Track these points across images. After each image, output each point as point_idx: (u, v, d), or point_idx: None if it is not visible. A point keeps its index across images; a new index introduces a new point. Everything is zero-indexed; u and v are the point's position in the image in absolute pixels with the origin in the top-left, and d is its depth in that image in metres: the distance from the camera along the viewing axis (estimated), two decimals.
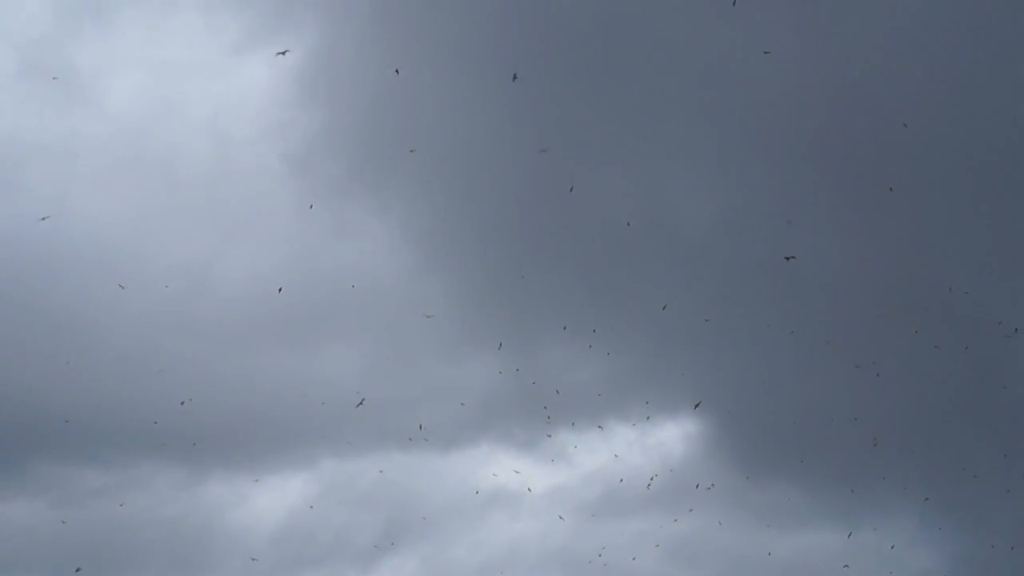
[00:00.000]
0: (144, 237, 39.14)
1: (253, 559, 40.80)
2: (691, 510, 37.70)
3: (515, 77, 27.50)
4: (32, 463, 39.23)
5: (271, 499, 43.71)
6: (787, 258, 30.63)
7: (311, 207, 34.44)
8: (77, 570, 32.04)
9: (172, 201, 38.95)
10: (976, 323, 34.20)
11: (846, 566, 36.94)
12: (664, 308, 34.83)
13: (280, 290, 34.84)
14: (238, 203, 39.41)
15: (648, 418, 39.10)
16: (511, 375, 38.87)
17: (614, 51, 36.40)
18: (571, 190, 31.43)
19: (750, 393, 37.82)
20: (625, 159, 37.21)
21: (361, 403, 35.76)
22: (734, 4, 28.38)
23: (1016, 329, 33.20)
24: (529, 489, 41.90)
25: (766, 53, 30.49)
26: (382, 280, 39.03)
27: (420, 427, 37.36)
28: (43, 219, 30.44)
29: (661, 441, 40.12)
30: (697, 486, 37.40)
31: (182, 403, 34.93)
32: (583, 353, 38.42)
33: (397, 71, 28.48)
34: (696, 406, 34.53)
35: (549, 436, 40.90)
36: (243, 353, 40.36)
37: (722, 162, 36.64)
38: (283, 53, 27.94)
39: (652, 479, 38.47)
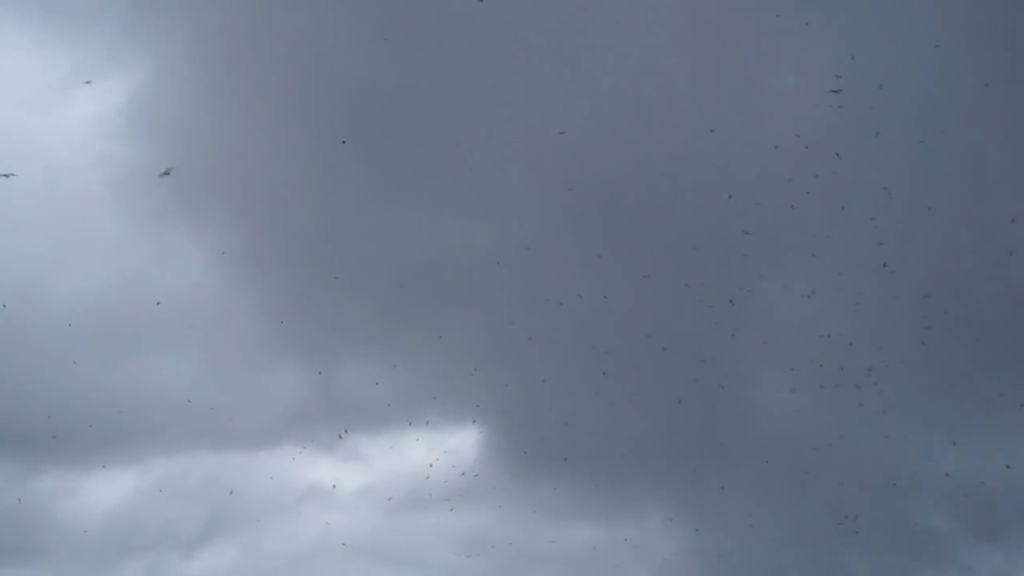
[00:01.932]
0: None
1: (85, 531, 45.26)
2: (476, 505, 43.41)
3: None
4: None
5: (102, 492, 47.87)
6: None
7: None
8: None
9: (3, 224, 42.56)
10: (710, 345, 39.84)
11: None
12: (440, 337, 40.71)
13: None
14: (67, 225, 43.18)
15: (433, 425, 44.38)
16: (316, 384, 43.73)
17: (416, 109, 41.04)
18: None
19: (525, 406, 42.90)
20: (422, 202, 41.93)
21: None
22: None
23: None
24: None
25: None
26: (198, 298, 43.21)
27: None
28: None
29: (451, 447, 45.07)
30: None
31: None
32: (379, 368, 43.47)
33: None
34: None
35: (351, 440, 45.99)
36: (74, 362, 43.97)
37: (508, 210, 41.67)
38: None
39: (455, 477, 43.80)
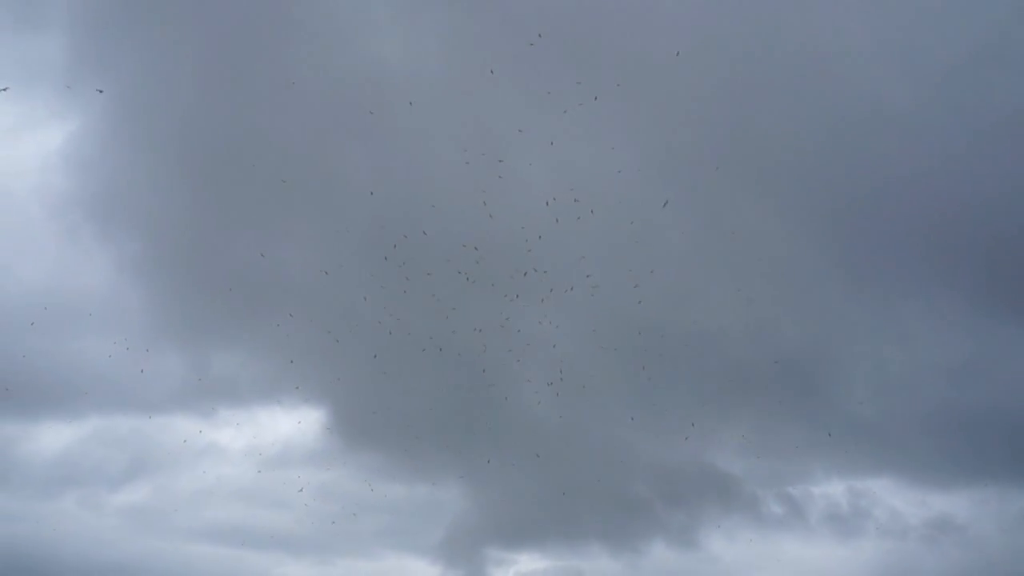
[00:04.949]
0: None
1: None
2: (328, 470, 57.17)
3: None
4: None
5: (49, 439, 62.62)
6: None
7: None
8: None
9: None
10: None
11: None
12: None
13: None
14: (13, 237, 57.27)
15: (288, 404, 57.96)
16: (195, 366, 57.13)
17: (265, 161, 53.83)
18: None
19: (353, 393, 56.10)
20: (265, 229, 54.97)
21: None
22: None
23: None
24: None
25: None
26: (106, 293, 56.72)
27: None
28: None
29: (303, 421, 59.09)
30: None
31: None
32: (249, 351, 56.90)
33: None
34: None
35: (226, 412, 59.95)
36: (23, 354, 57.34)
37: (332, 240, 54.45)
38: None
39: (306, 444, 57.53)
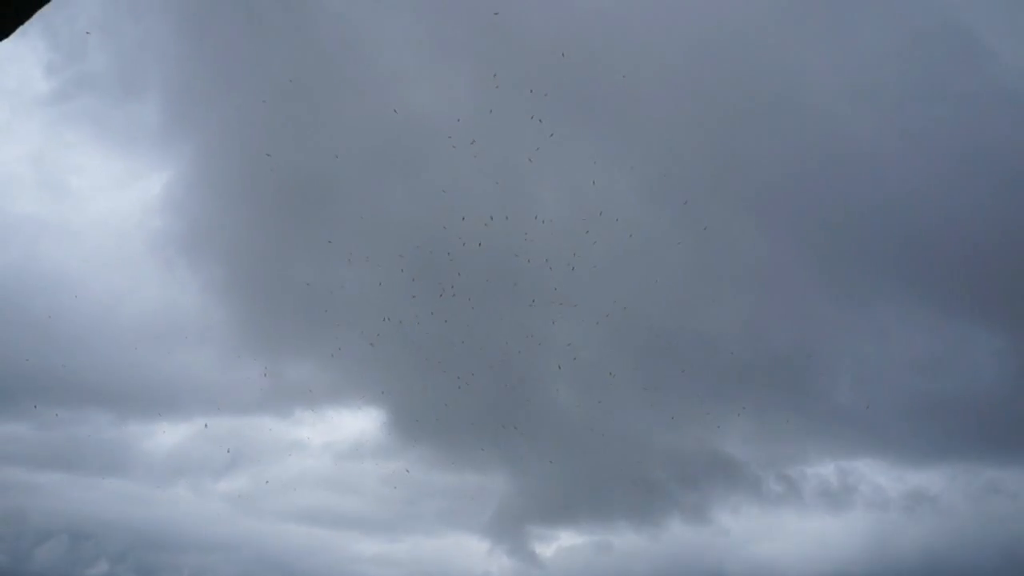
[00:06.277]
0: None
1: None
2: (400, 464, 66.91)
3: None
4: None
5: (164, 436, 74.05)
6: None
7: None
8: None
9: (82, 265, 67.73)
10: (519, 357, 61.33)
11: None
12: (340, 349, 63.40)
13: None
14: (121, 266, 68.10)
15: (353, 405, 67.70)
16: (272, 374, 67.20)
17: (326, 195, 63.21)
18: None
19: (409, 394, 65.47)
20: (327, 253, 64.28)
21: None
22: None
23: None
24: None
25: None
26: (196, 312, 67.17)
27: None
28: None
29: (369, 419, 68.93)
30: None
31: None
32: (316, 360, 66.66)
33: None
34: None
35: (303, 413, 69.97)
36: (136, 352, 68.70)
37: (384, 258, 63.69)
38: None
39: (372, 439, 67.28)
